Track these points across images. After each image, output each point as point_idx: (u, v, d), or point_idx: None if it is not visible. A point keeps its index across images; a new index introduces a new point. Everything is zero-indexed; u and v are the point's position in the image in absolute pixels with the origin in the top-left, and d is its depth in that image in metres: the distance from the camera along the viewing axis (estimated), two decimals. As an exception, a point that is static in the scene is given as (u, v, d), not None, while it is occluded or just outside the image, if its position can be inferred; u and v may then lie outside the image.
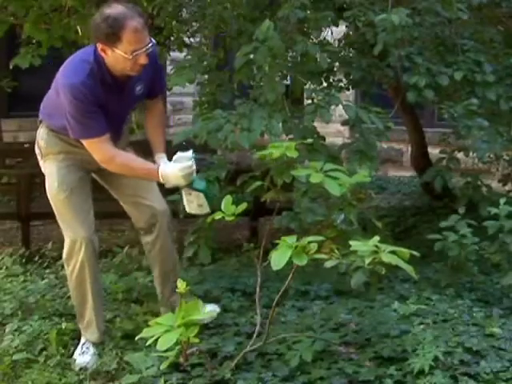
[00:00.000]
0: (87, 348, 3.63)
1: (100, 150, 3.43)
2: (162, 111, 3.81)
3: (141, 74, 3.45)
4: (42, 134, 3.68)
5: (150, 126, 3.75)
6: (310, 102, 4.18)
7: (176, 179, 3.40)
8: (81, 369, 3.50)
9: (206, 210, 3.48)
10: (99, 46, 3.32)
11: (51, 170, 3.64)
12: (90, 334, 3.68)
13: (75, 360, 3.58)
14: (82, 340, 3.69)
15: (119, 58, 3.31)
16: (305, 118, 4.09)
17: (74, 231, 3.60)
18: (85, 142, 3.43)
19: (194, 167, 3.42)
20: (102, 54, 3.33)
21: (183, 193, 3.51)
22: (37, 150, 3.73)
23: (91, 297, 3.65)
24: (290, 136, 4.02)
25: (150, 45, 3.34)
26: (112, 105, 3.44)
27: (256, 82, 4.17)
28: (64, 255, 3.65)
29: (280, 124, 3.97)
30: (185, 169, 3.39)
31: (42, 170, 3.72)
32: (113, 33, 3.24)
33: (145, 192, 3.74)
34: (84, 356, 3.59)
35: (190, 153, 3.44)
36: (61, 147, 3.62)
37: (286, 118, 4.05)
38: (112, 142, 3.45)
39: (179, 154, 3.45)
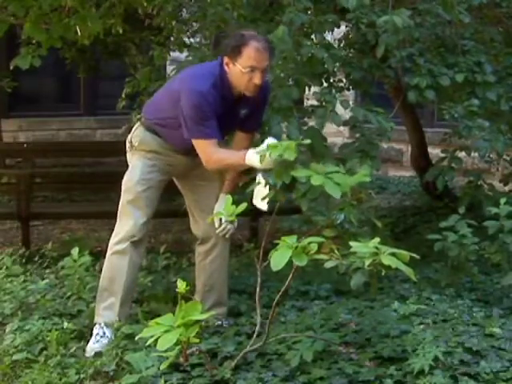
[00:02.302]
0: (103, 333, 3.68)
1: (206, 150, 3.57)
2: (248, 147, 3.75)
3: (251, 100, 3.60)
4: (137, 132, 3.84)
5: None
6: (317, 103, 4.20)
7: (255, 160, 3.35)
8: (96, 354, 3.56)
9: (265, 207, 3.40)
10: (225, 60, 3.55)
11: (137, 163, 3.80)
12: (106, 317, 3.71)
13: (91, 349, 3.62)
14: (96, 329, 3.71)
15: (238, 72, 3.50)
16: (316, 122, 4.12)
17: (133, 220, 3.72)
18: (195, 142, 3.58)
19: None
20: (226, 68, 3.55)
21: (256, 179, 3.42)
22: (127, 144, 3.88)
23: (123, 286, 3.71)
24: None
25: (265, 64, 3.49)
26: (223, 117, 3.58)
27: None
28: (111, 242, 3.78)
29: (296, 129, 4.00)
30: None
31: (128, 159, 3.87)
32: (237, 46, 3.48)
33: (212, 202, 3.81)
34: (100, 343, 3.65)
35: (275, 140, 3.36)
36: (153, 146, 3.78)
37: (296, 121, 4.08)
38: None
39: (270, 139, 3.38)
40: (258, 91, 3.57)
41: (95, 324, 3.75)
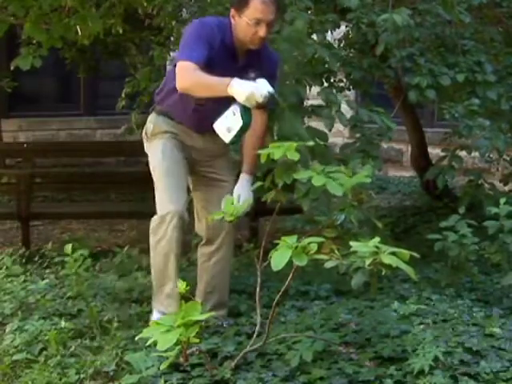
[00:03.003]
0: None
1: (182, 69, 3.50)
2: (263, 125, 3.71)
3: (258, 64, 3.55)
4: (150, 119, 3.86)
5: (247, 139, 3.71)
6: (317, 103, 4.20)
7: (241, 91, 3.30)
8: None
9: (227, 139, 3.39)
10: (231, 12, 3.58)
11: (157, 145, 3.78)
12: (166, 306, 3.67)
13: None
14: (155, 315, 3.69)
15: (243, 24, 3.52)
16: (324, 123, 4.11)
17: (168, 202, 3.66)
18: (178, 64, 3.54)
19: (264, 99, 3.30)
20: (232, 21, 3.57)
21: (231, 108, 3.39)
22: (144, 136, 3.88)
23: (174, 270, 3.65)
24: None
25: (271, 18, 3.50)
26: (221, 69, 3.48)
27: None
28: (152, 226, 3.69)
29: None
30: (258, 90, 3.30)
31: (147, 150, 3.86)
32: None
33: (218, 202, 3.64)
34: None
35: (271, 89, 3.32)
36: (167, 127, 3.77)
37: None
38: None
39: (264, 81, 3.34)
40: (262, 44, 3.57)
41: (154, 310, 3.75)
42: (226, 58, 3.59)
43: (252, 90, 3.29)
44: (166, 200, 3.67)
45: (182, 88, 3.53)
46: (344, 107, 4.23)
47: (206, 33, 3.55)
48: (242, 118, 3.35)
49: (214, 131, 3.55)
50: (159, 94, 3.87)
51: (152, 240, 3.71)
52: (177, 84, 3.53)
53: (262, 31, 3.50)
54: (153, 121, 3.83)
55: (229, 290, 3.99)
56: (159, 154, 3.75)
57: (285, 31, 4.08)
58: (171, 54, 6.68)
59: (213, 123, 3.49)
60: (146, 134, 3.87)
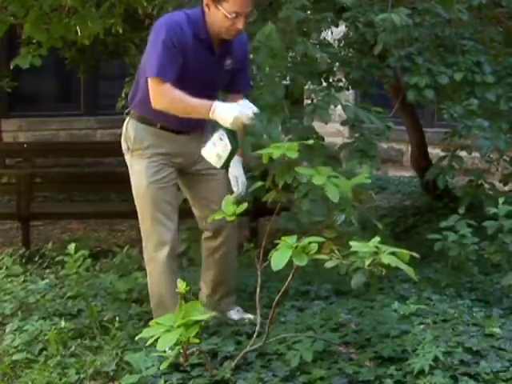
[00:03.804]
0: None
1: (157, 90, 3.42)
2: None
3: (232, 50, 3.54)
4: (130, 127, 3.67)
5: None
6: (309, 102, 4.19)
7: (226, 116, 3.27)
8: None
9: (218, 165, 3.35)
10: (205, 1, 3.44)
11: (140, 167, 3.63)
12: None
13: None
14: None
15: (220, 16, 3.41)
16: (304, 119, 4.10)
17: (158, 234, 3.62)
18: (149, 80, 3.45)
19: (249, 121, 3.28)
20: (206, 10, 3.45)
21: (215, 133, 3.35)
22: (123, 145, 3.71)
23: (171, 293, 3.53)
24: (289, 136, 4.02)
25: (249, 9, 3.44)
26: (199, 65, 3.47)
27: (257, 83, 4.17)
28: (146, 257, 3.70)
29: (279, 127, 3.96)
30: (242, 113, 3.26)
31: (128, 164, 3.71)
32: None
33: (217, 197, 3.60)
34: None
35: (255, 108, 3.30)
36: (149, 141, 3.62)
37: (286, 119, 4.04)
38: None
39: (246, 102, 3.32)
40: (238, 36, 3.50)
41: None
42: (202, 50, 3.51)
43: (236, 114, 3.26)
44: (156, 229, 3.63)
45: (158, 107, 3.45)
46: (339, 106, 4.21)
47: (175, 40, 3.42)
48: (231, 143, 3.33)
49: (199, 129, 3.57)
50: (134, 97, 3.70)
51: (147, 268, 3.74)
52: (152, 102, 3.45)
53: (240, 24, 3.43)
54: (133, 131, 3.64)
55: (235, 278, 3.97)
56: (143, 180, 3.61)
57: (257, 36, 4.03)
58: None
59: (198, 121, 3.47)
60: (126, 143, 3.68)
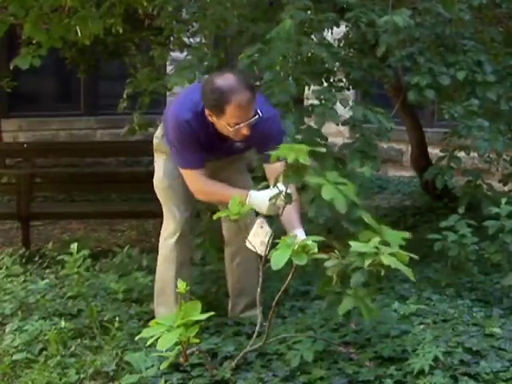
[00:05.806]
0: None
1: (192, 180, 3.55)
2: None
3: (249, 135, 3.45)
4: (158, 133, 3.82)
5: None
6: (317, 103, 4.20)
7: (260, 204, 3.31)
8: None
9: (262, 250, 3.22)
10: (207, 112, 3.39)
11: (159, 162, 3.81)
12: (164, 309, 3.75)
13: None
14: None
15: (222, 126, 3.37)
16: (315, 120, 4.11)
17: (173, 216, 3.74)
18: (182, 171, 3.58)
19: (285, 201, 3.16)
20: (209, 118, 3.41)
21: (256, 222, 3.37)
22: (154, 141, 3.85)
23: (173, 282, 3.62)
24: (297, 136, 4.02)
25: (253, 118, 3.33)
26: (213, 146, 3.52)
27: (264, 83, 4.16)
28: (162, 237, 3.81)
29: (292, 125, 3.98)
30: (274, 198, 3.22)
31: (155, 160, 3.87)
32: (218, 105, 3.30)
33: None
34: None
35: (283, 187, 3.18)
36: (168, 151, 3.70)
37: (295, 119, 4.06)
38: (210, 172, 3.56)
39: (282, 186, 3.18)
40: (247, 137, 3.41)
41: None
42: (216, 140, 3.50)
43: (268, 203, 3.24)
44: (170, 217, 3.76)
45: (196, 196, 3.60)
46: (341, 107, 4.22)
47: (189, 139, 3.45)
48: (270, 227, 3.32)
49: (233, 154, 3.65)
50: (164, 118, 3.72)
51: (159, 254, 3.84)
52: (193, 193, 3.58)
53: (244, 130, 3.35)
54: (159, 138, 3.78)
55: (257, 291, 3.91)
56: (160, 172, 3.79)
57: (273, 32, 4.07)
58: (171, 53, 6.68)
59: (233, 149, 3.55)
60: (153, 145, 3.85)
